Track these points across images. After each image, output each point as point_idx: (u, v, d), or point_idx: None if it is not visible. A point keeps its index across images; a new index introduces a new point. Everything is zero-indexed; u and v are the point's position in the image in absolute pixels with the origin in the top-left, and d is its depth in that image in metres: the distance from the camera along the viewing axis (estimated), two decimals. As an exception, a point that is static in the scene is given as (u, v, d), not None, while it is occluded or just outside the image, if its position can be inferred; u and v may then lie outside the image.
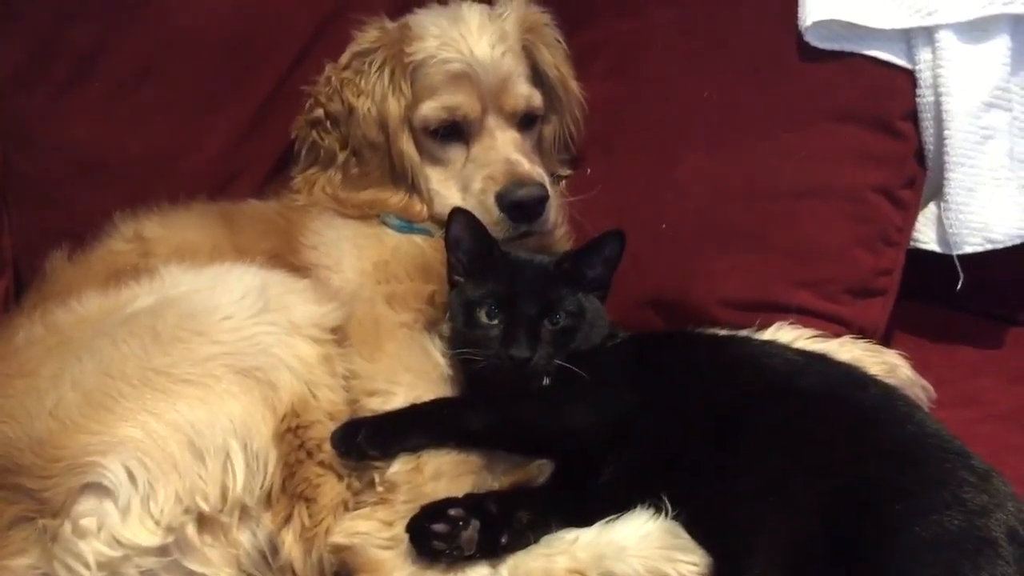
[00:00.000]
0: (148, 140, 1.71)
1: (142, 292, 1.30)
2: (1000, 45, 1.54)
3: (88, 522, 1.12)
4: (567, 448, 1.28)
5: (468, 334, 1.34)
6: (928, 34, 1.55)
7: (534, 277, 1.35)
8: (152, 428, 1.16)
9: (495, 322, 1.32)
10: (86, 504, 1.13)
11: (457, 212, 1.40)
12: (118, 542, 1.12)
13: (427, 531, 1.18)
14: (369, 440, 1.26)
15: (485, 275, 1.36)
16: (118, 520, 1.12)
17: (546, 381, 1.31)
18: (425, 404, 1.31)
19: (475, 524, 1.18)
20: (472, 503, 1.21)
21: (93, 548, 1.11)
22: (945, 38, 1.54)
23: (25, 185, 1.71)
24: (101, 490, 1.13)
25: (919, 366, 1.48)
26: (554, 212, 1.58)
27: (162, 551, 1.14)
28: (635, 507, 1.21)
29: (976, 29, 1.54)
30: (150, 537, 1.13)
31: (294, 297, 1.33)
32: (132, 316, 1.25)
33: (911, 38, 1.56)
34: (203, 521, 1.17)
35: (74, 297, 1.32)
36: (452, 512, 1.19)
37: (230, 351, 1.23)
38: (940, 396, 1.47)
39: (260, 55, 1.74)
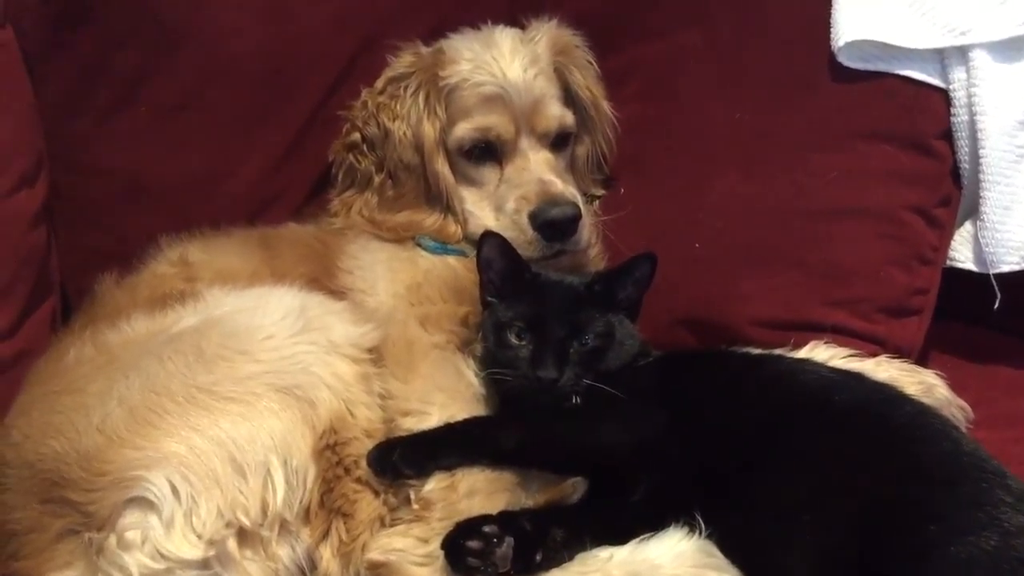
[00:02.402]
0: (190, 165, 1.75)
1: (187, 313, 1.34)
2: (1035, 64, 1.54)
3: (133, 535, 1.15)
4: (599, 467, 1.29)
5: (499, 355, 1.36)
6: (962, 53, 1.54)
7: (563, 299, 1.37)
8: (195, 444, 1.18)
9: (524, 343, 1.34)
10: (131, 517, 1.16)
11: (488, 235, 1.43)
12: (161, 555, 1.14)
13: (462, 548, 1.20)
14: (404, 459, 1.28)
15: (516, 296, 1.39)
16: (162, 533, 1.15)
17: (576, 400, 1.32)
18: (459, 424, 1.33)
19: (509, 541, 1.19)
20: (506, 520, 1.22)
21: (137, 560, 1.14)
22: (979, 57, 1.53)
23: (71, 208, 1.75)
24: (146, 504, 1.16)
25: (956, 386, 1.48)
26: (587, 231, 1.60)
27: (204, 564, 1.16)
28: (669, 525, 1.22)
29: (1010, 48, 1.54)
30: (192, 550, 1.15)
31: (332, 318, 1.35)
32: (177, 336, 1.29)
33: (945, 58, 1.56)
34: (244, 535, 1.19)
35: (123, 319, 1.36)
36: (486, 529, 1.20)
37: (271, 369, 1.25)
38: (978, 416, 1.46)
39: (298, 81, 1.78)
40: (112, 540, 1.15)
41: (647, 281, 1.39)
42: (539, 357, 1.31)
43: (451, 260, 1.58)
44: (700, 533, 1.20)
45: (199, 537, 1.15)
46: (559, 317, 1.33)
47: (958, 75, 1.54)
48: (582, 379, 1.31)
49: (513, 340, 1.34)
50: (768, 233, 1.58)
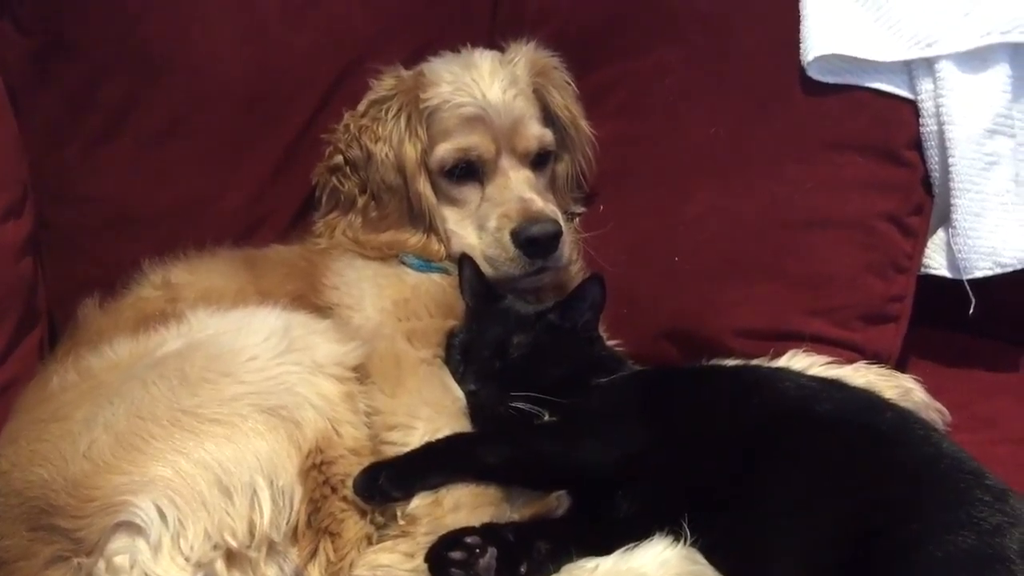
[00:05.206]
0: (176, 191, 1.76)
1: (170, 336, 1.34)
2: (1000, 73, 1.57)
3: (121, 560, 1.15)
4: (580, 482, 1.30)
5: (451, 372, 1.44)
6: (928, 65, 1.58)
7: (500, 322, 1.44)
8: (182, 467, 1.18)
9: (460, 361, 1.43)
10: (119, 542, 1.16)
11: (463, 259, 1.51)
12: (150, 578, 1.14)
13: (445, 559, 1.20)
14: (390, 481, 1.29)
15: (475, 319, 1.48)
16: (150, 557, 1.14)
17: (547, 417, 1.34)
18: (441, 442, 1.34)
19: (492, 552, 1.20)
20: (489, 532, 1.23)
21: (126, 585, 1.14)
22: (945, 68, 1.57)
23: (59, 237, 1.77)
24: (133, 528, 1.16)
25: (934, 390, 1.49)
26: (568, 248, 1.62)
27: (193, 586, 1.16)
28: (654, 535, 1.22)
29: (975, 58, 1.57)
30: (181, 573, 1.15)
31: (316, 337, 1.36)
32: (161, 359, 1.29)
33: (912, 69, 1.59)
34: (232, 557, 1.18)
35: (105, 343, 1.36)
36: (469, 540, 1.21)
37: (256, 391, 1.26)
38: (956, 419, 1.48)
39: (281, 107, 1.80)
40: (101, 565, 1.15)
41: (601, 303, 1.45)
42: (464, 373, 1.41)
43: (436, 277, 1.60)
44: (685, 541, 1.20)
45: (187, 560, 1.15)
46: (488, 338, 1.42)
47: (925, 86, 1.58)
48: (506, 394, 1.34)
49: (456, 358, 1.44)
50: (746, 244, 1.61)
